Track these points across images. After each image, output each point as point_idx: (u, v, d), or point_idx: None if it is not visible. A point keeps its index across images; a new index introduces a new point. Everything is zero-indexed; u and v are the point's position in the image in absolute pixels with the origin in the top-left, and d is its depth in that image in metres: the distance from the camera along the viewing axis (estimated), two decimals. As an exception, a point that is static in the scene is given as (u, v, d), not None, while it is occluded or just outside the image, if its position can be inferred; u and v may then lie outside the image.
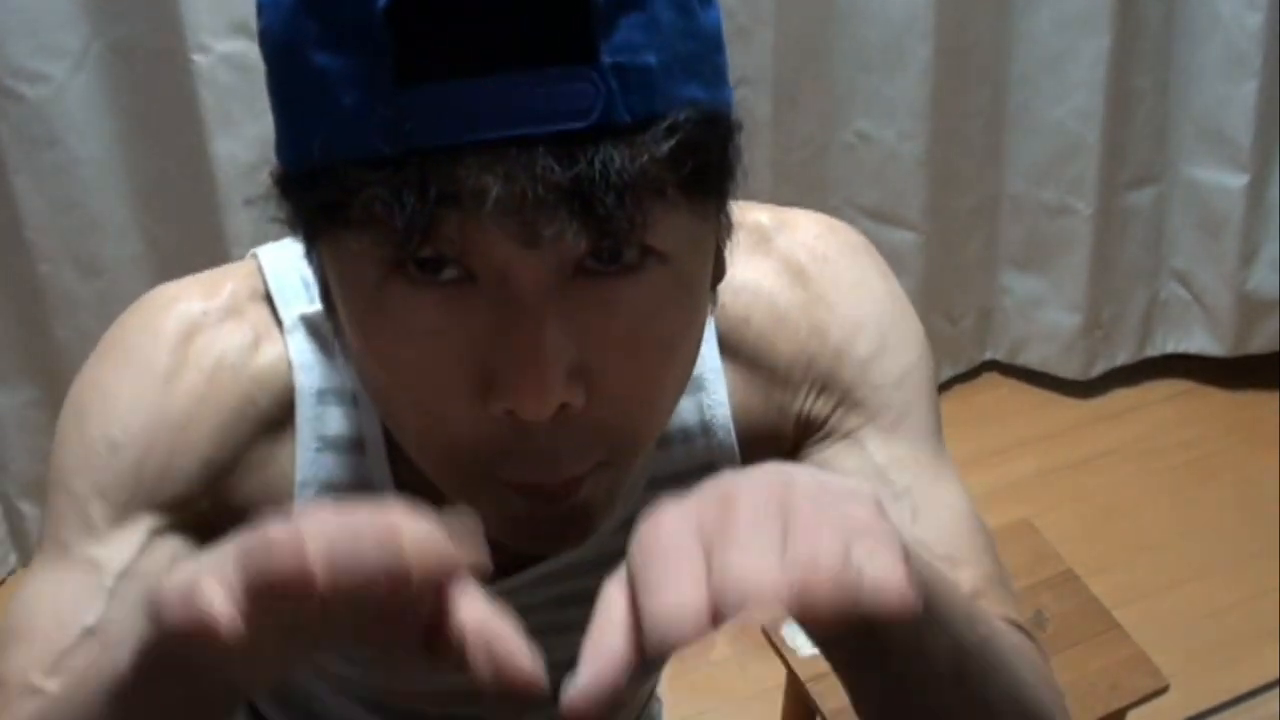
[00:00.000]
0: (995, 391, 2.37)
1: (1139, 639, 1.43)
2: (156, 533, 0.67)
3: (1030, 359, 2.35)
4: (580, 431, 0.54)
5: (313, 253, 0.57)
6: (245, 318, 0.67)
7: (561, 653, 0.80)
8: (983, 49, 2.09)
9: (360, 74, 0.48)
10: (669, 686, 0.95)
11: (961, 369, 2.37)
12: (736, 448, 0.72)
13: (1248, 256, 2.22)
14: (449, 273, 0.51)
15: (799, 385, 0.72)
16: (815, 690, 1.36)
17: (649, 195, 0.49)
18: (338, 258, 0.53)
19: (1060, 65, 2.09)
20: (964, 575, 0.73)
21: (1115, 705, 1.37)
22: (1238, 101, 2.10)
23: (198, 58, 1.69)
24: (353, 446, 0.68)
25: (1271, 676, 1.83)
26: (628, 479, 0.61)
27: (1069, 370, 2.32)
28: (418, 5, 0.47)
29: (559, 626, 0.75)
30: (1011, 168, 2.21)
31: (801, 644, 1.39)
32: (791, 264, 0.72)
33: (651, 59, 0.49)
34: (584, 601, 0.76)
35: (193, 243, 1.86)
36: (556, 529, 0.58)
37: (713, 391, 0.71)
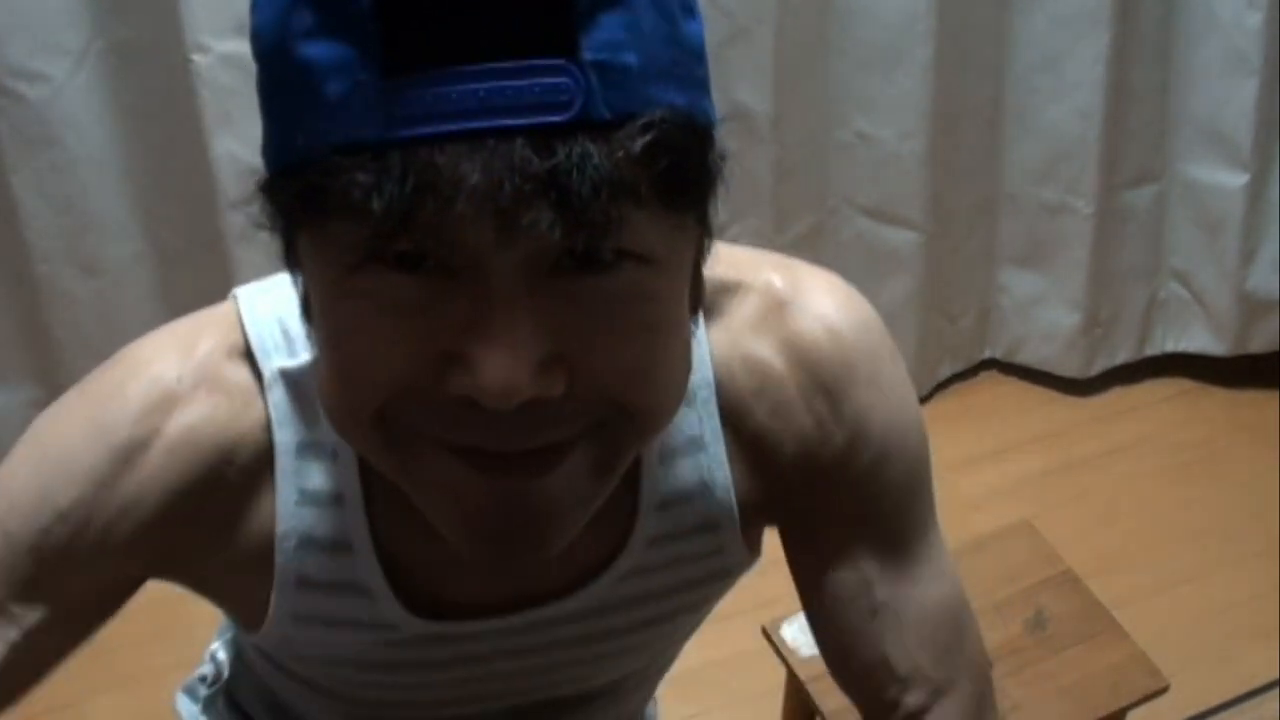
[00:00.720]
0: (995, 390, 2.37)
1: (1139, 639, 1.43)
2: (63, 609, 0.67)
3: (1030, 358, 2.36)
4: (554, 406, 0.53)
5: (291, 253, 0.57)
6: (221, 383, 0.67)
7: (559, 690, 0.80)
8: (982, 48, 2.09)
9: (347, 62, 0.49)
10: (669, 686, 0.95)
11: (961, 367, 2.37)
12: (735, 509, 0.73)
13: (1247, 256, 2.22)
14: (426, 265, 0.51)
15: (797, 476, 0.73)
16: (815, 690, 1.36)
17: (624, 192, 0.49)
18: (316, 245, 0.53)
19: (1060, 64, 2.09)
20: (947, 710, 0.78)
21: (1115, 705, 1.37)
22: (1237, 101, 2.10)
23: (198, 58, 1.69)
24: (332, 500, 0.68)
25: (1271, 676, 1.83)
26: (609, 483, 0.59)
27: (1068, 369, 2.32)
28: None
29: (551, 667, 0.77)
30: (1011, 167, 2.21)
31: (802, 644, 1.39)
32: (804, 348, 0.71)
33: (632, 59, 0.50)
34: (579, 645, 0.75)
35: (193, 243, 1.86)
36: (515, 525, 0.57)
37: (712, 454, 0.71)
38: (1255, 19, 2.03)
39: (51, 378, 1.89)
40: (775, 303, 0.71)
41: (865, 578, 0.76)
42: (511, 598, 0.72)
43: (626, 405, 0.55)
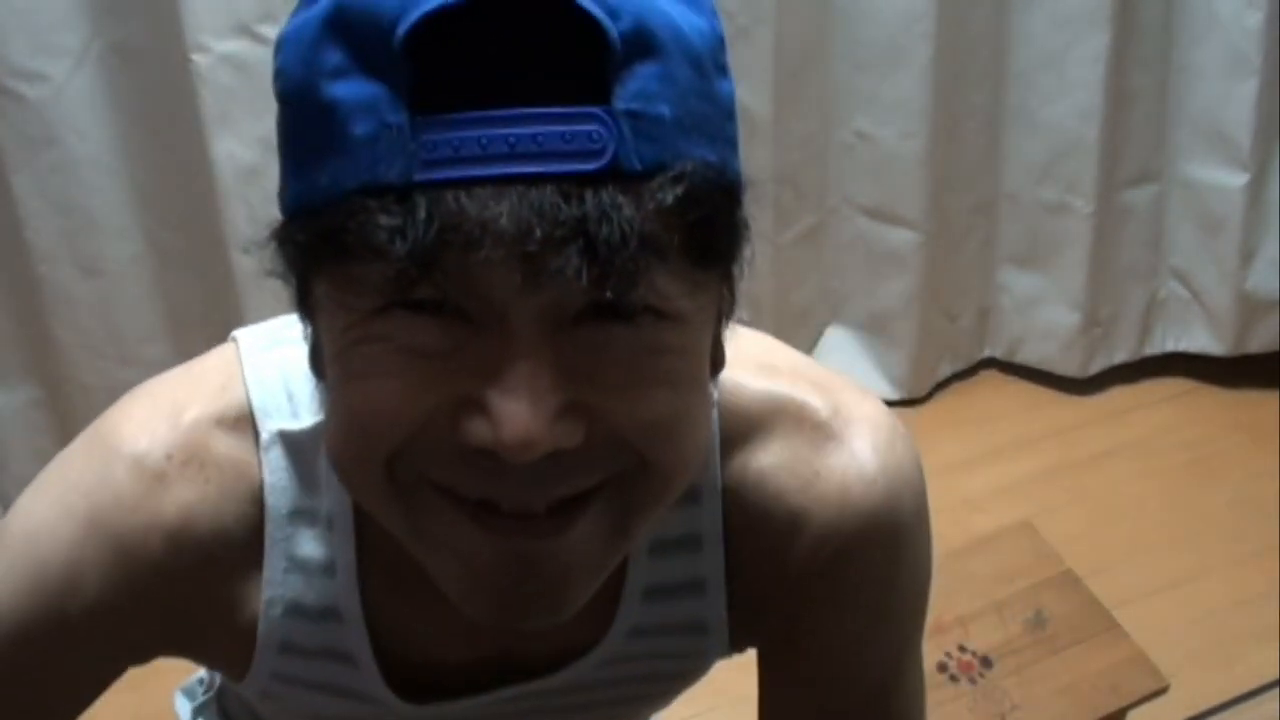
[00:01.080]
0: (994, 390, 2.37)
1: (1139, 639, 1.43)
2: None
3: (1029, 357, 2.35)
4: (572, 459, 0.52)
5: (305, 299, 0.55)
6: (212, 456, 0.64)
7: None
8: (982, 48, 2.09)
9: (375, 102, 0.48)
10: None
11: (960, 367, 2.37)
12: (726, 616, 0.71)
13: (1247, 255, 2.22)
14: (447, 310, 0.50)
15: (790, 608, 0.70)
16: (815, 690, 1.36)
17: (652, 244, 0.48)
18: (335, 289, 0.52)
19: (1059, 64, 2.09)
20: None
21: (1115, 705, 1.37)
22: (1237, 100, 2.10)
23: (198, 58, 1.69)
24: (323, 568, 0.67)
25: (1271, 676, 1.83)
26: (622, 548, 0.57)
27: (1068, 368, 2.32)
28: (440, 36, 0.47)
29: None
30: (1010, 166, 2.21)
31: (801, 644, 1.39)
32: (829, 493, 0.67)
33: (665, 110, 0.49)
34: (560, 715, 0.75)
35: (193, 243, 1.86)
36: (524, 590, 0.55)
37: (709, 556, 0.69)
38: (1255, 19, 2.03)
39: (51, 378, 1.89)
40: (809, 426, 0.68)
41: (828, 711, 0.74)
42: (495, 675, 0.71)
43: (645, 458, 0.54)
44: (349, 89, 0.49)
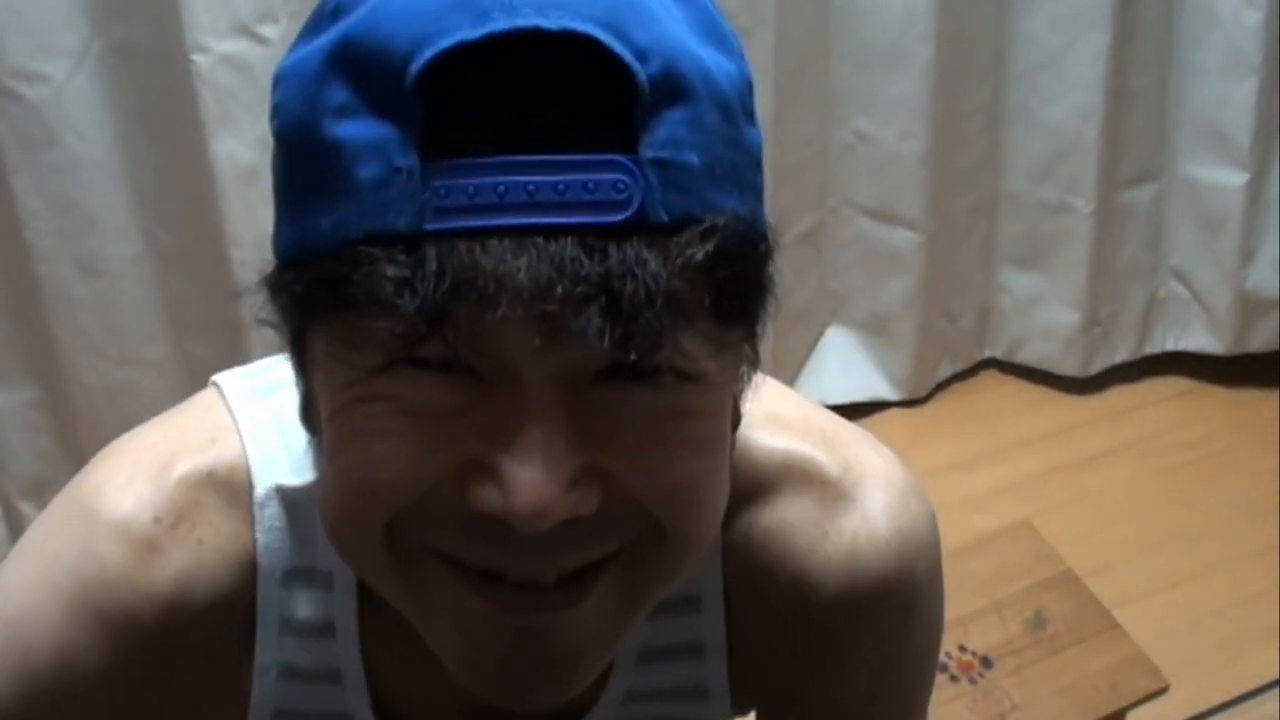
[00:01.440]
0: (995, 390, 2.37)
1: (1139, 639, 1.43)
2: None
3: (1029, 357, 2.35)
4: (585, 526, 0.48)
5: (300, 350, 0.52)
6: (204, 515, 0.60)
7: None
8: (982, 48, 2.09)
9: (383, 144, 0.45)
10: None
11: (961, 367, 2.37)
12: (726, 679, 0.68)
13: (1247, 255, 2.22)
14: (455, 368, 0.47)
15: (791, 670, 0.68)
16: (815, 690, 1.36)
17: (678, 303, 0.45)
18: (333, 344, 0.48)
19: (1059, 64, 2.09)
20: None
21: (1115, 705, 1.37)
22: (1237, 100, 2.10)
23: (198, 58, 1.69)
24: (320, 629, 0.63)
25: (1271, 676, 1.83)
26: (635, 620, 0.53)
27: (1068, 368, 2.32)
28: (455, 75, 0.44)
29: None
30: (1010, 166, 2.21)
31: (802, 644, 1.39)
32: (838, 555, 0.64)
33: (694, 159, 0.46)
34: None
35: (193, 243, 1.86)
36: (530, 667, 0.51)
37: (708, 617, 0.66)
38: (1255, 18, 2.03)
39: (51, 378, 1.89)
40: (818, 483, 0.64)
41: None
42: None
43: (663, 525, 0.50)
44: (355, 129, 0.45)
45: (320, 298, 0.47)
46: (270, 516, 0.61)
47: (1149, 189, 2.23)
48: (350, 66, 0.46)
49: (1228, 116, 2.12)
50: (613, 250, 0.44)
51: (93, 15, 1.69)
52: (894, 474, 0.66)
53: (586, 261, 0.44)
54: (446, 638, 0.52)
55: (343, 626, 0.63)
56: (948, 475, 2.14)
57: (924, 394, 2.31)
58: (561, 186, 0.44)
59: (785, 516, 0.64)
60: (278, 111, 0.50)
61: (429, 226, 0.44)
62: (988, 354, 2.39)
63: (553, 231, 0.44)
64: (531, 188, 0.44)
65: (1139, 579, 1.96)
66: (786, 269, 1.70)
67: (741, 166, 0.49)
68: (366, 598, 0.62)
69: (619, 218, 0.44)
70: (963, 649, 1.41)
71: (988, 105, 2.15)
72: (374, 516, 0.49)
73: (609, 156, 0.44)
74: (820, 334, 2.30)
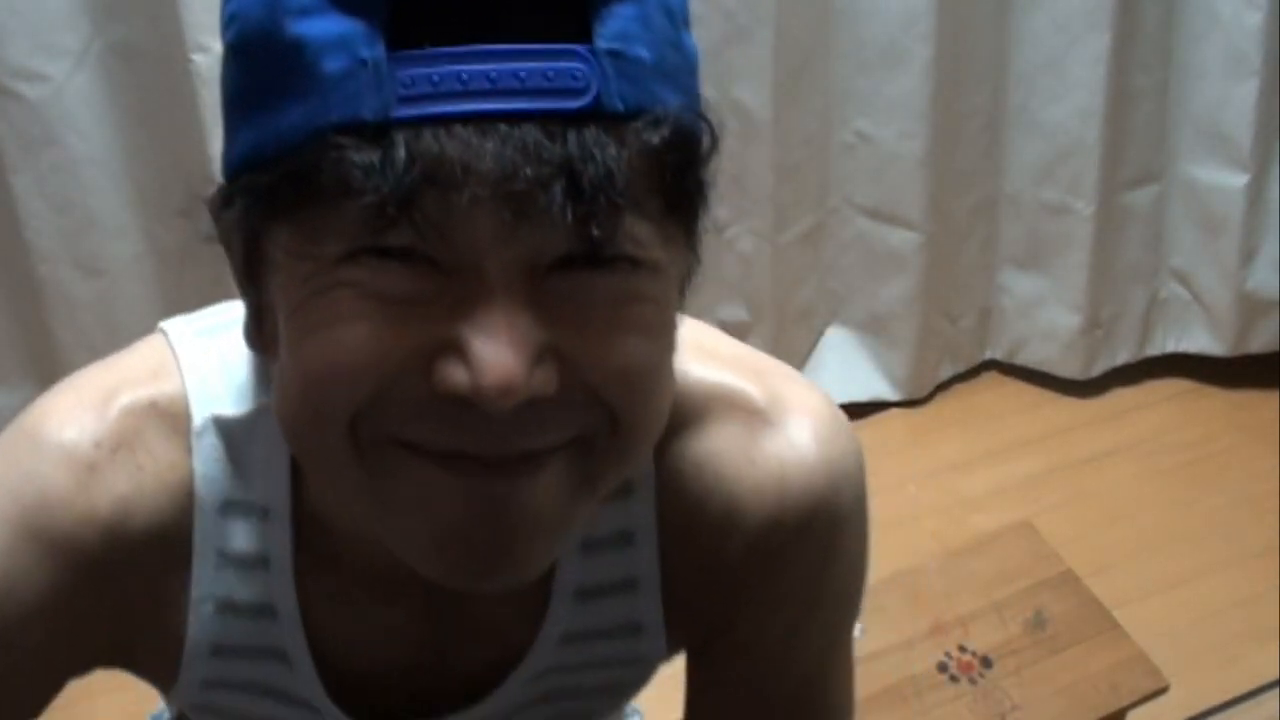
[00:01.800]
0: (995, 391, 2.37)
1: (1139, 639, 1.43)
2: None
3: (1030, 358, 2.35)
4: (546, 409, 0.50)
5: (253, 261, 0.53)
6: (144, 443, 0.61)
7: None
8: (982, 49, 2.09)
9: (348, 38, 0.46)
10: (666, 687, 0.95)
11: (961, 369, 2.37)
12: (661, 613, 0.68)
13: (1248, 256, 2.22)
14: (418, 256, 0.48)
15: (723, 601, 0.69)
16: (815, 690, 1.36)
17: (634, 187, 0.48)
18: (297, 238, 0.49)
19: (1060, 65, 2.09)
20: None
21: (1115, 705, 1.37)
22: (1237, 101, 2.10)
23: (198, 58, 1.69)
24: (256, 563, 0.63)
25: (1271, 676, 1.83)
26: (586, 505, 0.55)
27: (1069, 370, 2.32)
28: None
29: None
30: (1011, 167, 2.21)
31: (801, 644, 1.39)
32: (765, 481, 0.65)
33: (644, 53, 0.49)
34: None
35: (193, 243, 1.86)
36: (492, 538, 0.52)
37: (642, 551, 0.67)
38: (1255, 19, 2.03)
39: (51, 378, 1.88)
40: (747, 414, 0.65)
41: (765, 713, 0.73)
42: (430, 692, 0.68)
43: (615, 411, 0.52)
44: (319, 25, 0.47)
45: (286, 191, 0.48)
46: (207, 447, 0.62)
47: (1150, 190, 2.23)
48: None
49: (1228, 117, 2.12)
50: (572, 135, 0.46)
51: (93, 15, 1.69)
52: (821, 406, 0.67)
53: (549, 145, 0.46)
54: (408, 521, 0.53)
55: (278, 560, 0.63)
56: (948, 476, 2.14)
57: (924, 394, 2.31)
58: (523, 74, 0.46)
59: (715, 445, 0.65)
60: (234, 20, 0.51)
61: (396, 114, 0.46)
62: (988, 355, 2.39)
63: (515, 117, 0.46)
64: (494, 75, 0.46)
65: (1139, 579, 1.96)
66: (786, 269, 1.70)
67: (683, 69, 0.52)
68: (302, 533, 0.63)
69: (577, 104, 0.47)
70: (963, 649, 1.41)
71: (988, 105, 2.15)
72: (339, 407, 0.50)
73: (567, 46, 0.47)
74: (820, 334, 2.30)
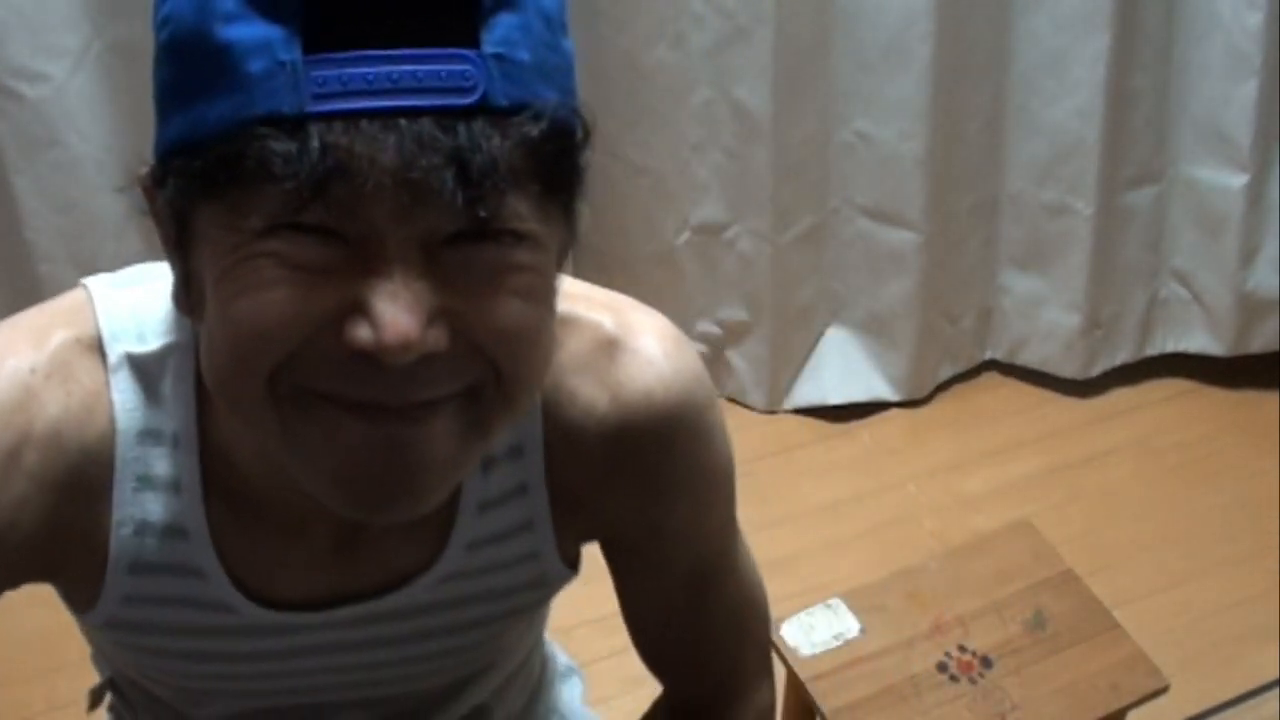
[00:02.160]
0: (995, 391, 2.37)
1: (1139, 639, 1.43)
2: None
3: (1030, 358, 2.35)
4: (439, 364, 0.58)
5: (182, 233, 0.60)
6: (74, 372, 0.69)
7: (390, 689, 0.83)
8: (983, 49, 2.09)
9: (269, 42, 0.54)
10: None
11: (961, 369, 2.37)
12: (549, 511, 0.78)
13: (1248, 256, 2.22)
14: (327, 230, 0.55)
15: (612, 503, 0.78)
16: (815, 690, 1.36)
17: (515, 172, 0.55)
18: (222, 215, 0.56)
19: (1060, 65, 2.09)
20: (748, 654, 0.91)
21: (1115, 705, 1.37)
22: (1237, 101, 2.10)
23: (198, 58, 1.69)
24: (170, 487, 0.71)
25: (1271, 676, 1.83)
26: (477, 448, 0.63)
27: (1069, 370, 2.32)
28: None
29: (376, 665, 0.80)
30: (1011, 167, 2.21)
31: (802, 644, 1.39)
32: (629, 394, 0.75)
33: (525, 56, 0.56)
34: (403, 643, 0.80)
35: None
36: (391, 474, 0.60)
37: (530, 460, 0.76)
38: (1255, 19, 2.03)
39: (52, 378, 1.89)
40: (604, 342, 0.75)
41: (675, 593, 0.85)
42: (337, 595, 0.76)
43: (500, 367, 0.60)
44: (244, 31, 0.54)
45: (214, 174, 0.55)
46: (122, 380, 0.69)
47: (1149, 190, 2.23)
48: None
49: (1228, 118, 2.12)
50: (462, 129, 0.54)
51: (93, 15, 1.69)
52: (665, 327, 0.78)
53: (442, 137, 0.54)
54: (317, 460, 0.61)
55: (187, 485, 0.70)
56: (948, 475, 2.14)
57: (924, 394, 2.32)
58: (420, 75, 0.54)
59: (582, 373, 0.75)
60: (167, 22, 0.58)
61: (310, 109, 0.53)
62: (988, 355, 2.39)
63: (413, 113, 0.54)
64: (395, 75, 0.54)
65: (1139, 579, 1.97)
66: (786, 269, 1.70)
67: (562, 69, 0.59)
68: (208, 461, 0.71)
69: (466, 101, 0.54)
70: (963, 649, 1.41)
71: (988, 105, 2.15)
72: (259, 364, 0.58)
73: (458, 50, 0.54)
74: (820, 334, 2.30)
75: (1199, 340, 2.33)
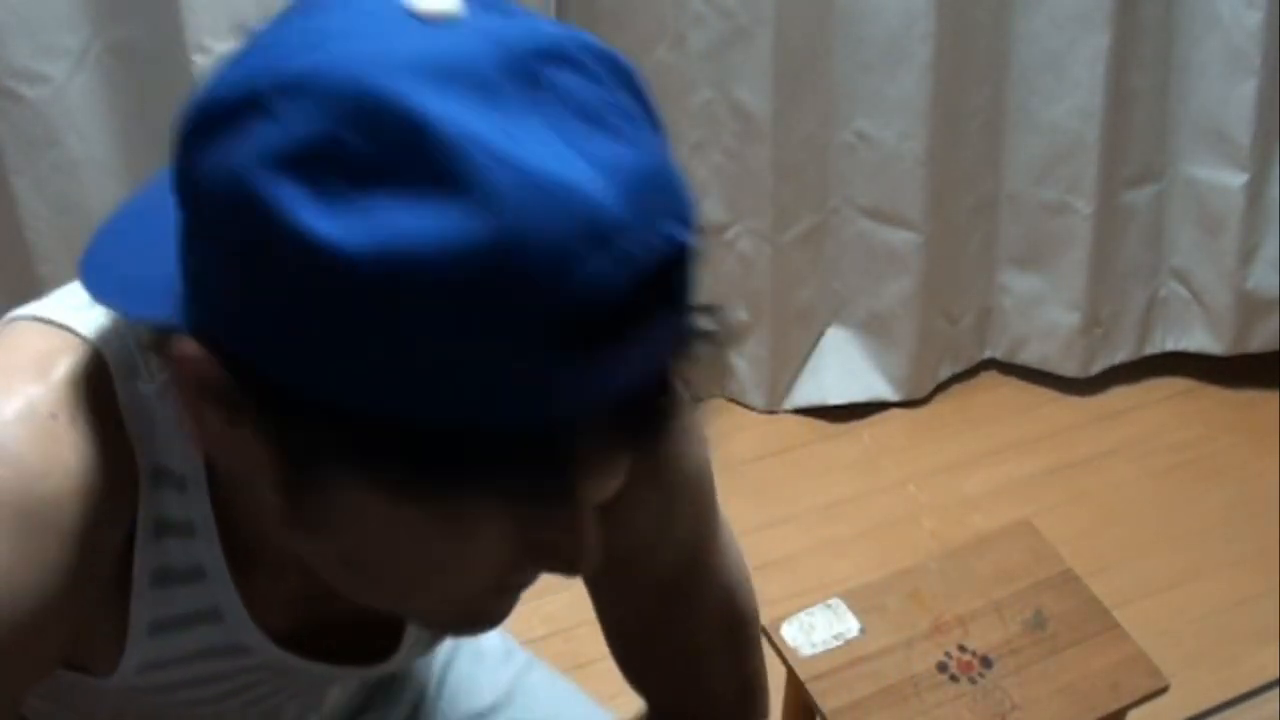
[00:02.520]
0: (995, 390, 2.37)
1: (1139, 639, 1.43)
2: None
3: (1030, 358, 2.35)
4: None
5: (311, 475, 0.53)
6: (83, 412, 0.59)
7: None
8: (982, 49, 2.09)
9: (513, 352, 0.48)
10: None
11: (961, 368, 2.37)
12: None
13: (1247, 255, 2.22)
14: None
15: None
16: (815, 690, 1.36)
17: None
18: (407, 493, 0.52)
19: (1060, 64, 2.09)
20: (732, 671, 0.91)
21: (1115, 705, 1.37)
22: (1237, 100, 2.10)
23: (198, 58, 1.69)
24: (184, 529, 0.64)
25: (1271, 676, 1.83)
26: None
27: (1068, 369, 2.32)
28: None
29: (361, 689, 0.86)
30: (1011, 167, 2.21)
31: (802, 644, 1.39)
32: None
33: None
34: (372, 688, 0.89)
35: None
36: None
37: None
38: (1255, 18, 2.03)
39: (52, 378, 1.89)
40: None
41: (648, 606, 0.86)
42: (346, 647, 0.75)
43: None
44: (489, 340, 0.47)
45: (417, 468, 0.49)
46: (136, 421, 0.61)
47: (1149, 189, 2.23)
48: (495, 295, 0.47)
49: (1228, 117, 2.12)
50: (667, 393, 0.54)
51: (93, 15, 1.69)
52: None
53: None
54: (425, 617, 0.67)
55: (201, 522, 0.64)
56: (948, 475, 2.14)
57: (924, 394, 2.31)
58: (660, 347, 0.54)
59: None
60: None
61: (549, 414, 0.48)
62: (988, 354, 2.39)
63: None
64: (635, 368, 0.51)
65: (1139, 579, 1.97)
66: (786, 269, 1.70)
67: None
68: (217, 499, 0.64)
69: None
70: (963, 649, 1.41)
71: (988, 105, 2.15)
72: (404, 590, 0.62)
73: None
74: (820, 334, 2.30)
75: (1199, 339, 2.32)
